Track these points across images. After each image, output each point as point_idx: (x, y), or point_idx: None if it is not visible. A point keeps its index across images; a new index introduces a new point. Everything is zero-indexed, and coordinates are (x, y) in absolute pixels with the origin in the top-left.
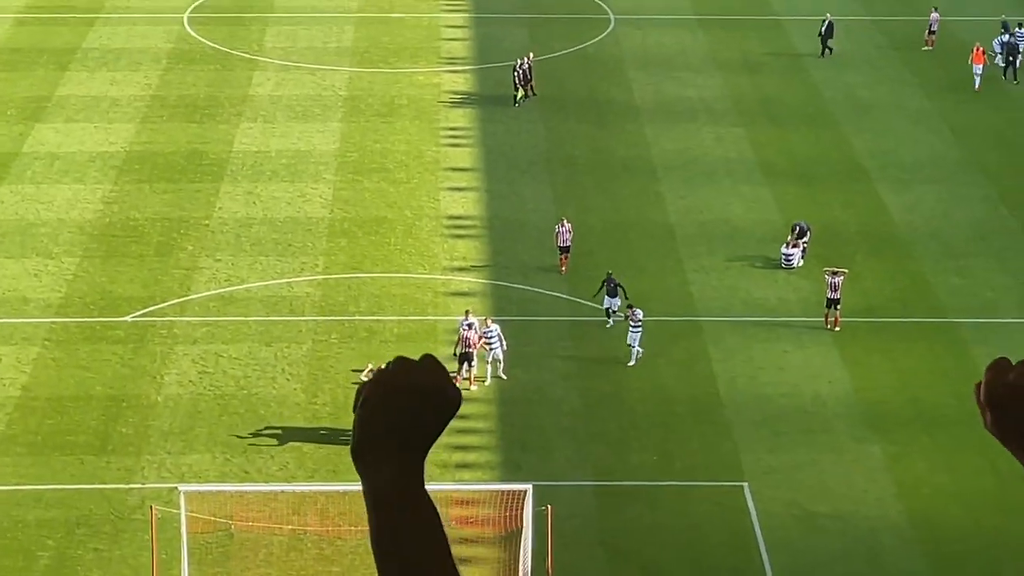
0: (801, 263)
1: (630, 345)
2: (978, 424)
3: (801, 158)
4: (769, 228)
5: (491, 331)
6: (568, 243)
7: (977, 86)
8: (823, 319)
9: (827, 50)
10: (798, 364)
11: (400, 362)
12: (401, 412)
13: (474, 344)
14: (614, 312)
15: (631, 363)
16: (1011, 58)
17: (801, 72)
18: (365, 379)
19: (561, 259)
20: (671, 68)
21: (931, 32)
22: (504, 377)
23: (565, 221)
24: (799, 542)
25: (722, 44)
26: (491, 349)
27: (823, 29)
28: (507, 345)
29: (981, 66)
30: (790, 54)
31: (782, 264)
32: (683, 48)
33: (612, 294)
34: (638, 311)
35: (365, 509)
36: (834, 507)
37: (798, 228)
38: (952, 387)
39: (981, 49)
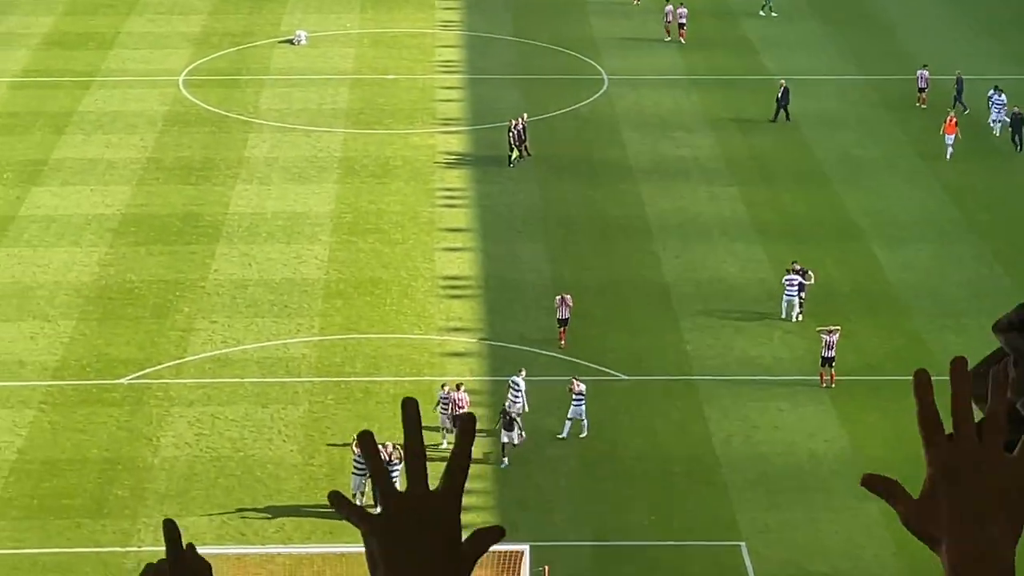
0: (801, 300)
1: (570, 419)
2: None
3: (794, 217)
4: (763, 287)
5: (519, 386)
6: (567, 316)
7: (948, 155)
8: (819, 377)
9: (784, 114)
10: (794, 422)
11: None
12: None
13: (465, 406)
14: (515, 445)
15: (562, 435)
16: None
17: (794, 131)
18: (355, 449)
19: (560, 332)
20: (665, 128)
21: (921, 90)
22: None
23: (566, 295)
24: None
25: (715, 104)
26: (515, 402)
27: (780, 95)
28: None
29: (952, 136)
30: (781, 113)
31: (784, 294)
32: (677, 108)
33: (508, 427)
34: (580, 384)
35: (363, 572)
36: (832, 566)
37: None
38: None
39: (954, 120)
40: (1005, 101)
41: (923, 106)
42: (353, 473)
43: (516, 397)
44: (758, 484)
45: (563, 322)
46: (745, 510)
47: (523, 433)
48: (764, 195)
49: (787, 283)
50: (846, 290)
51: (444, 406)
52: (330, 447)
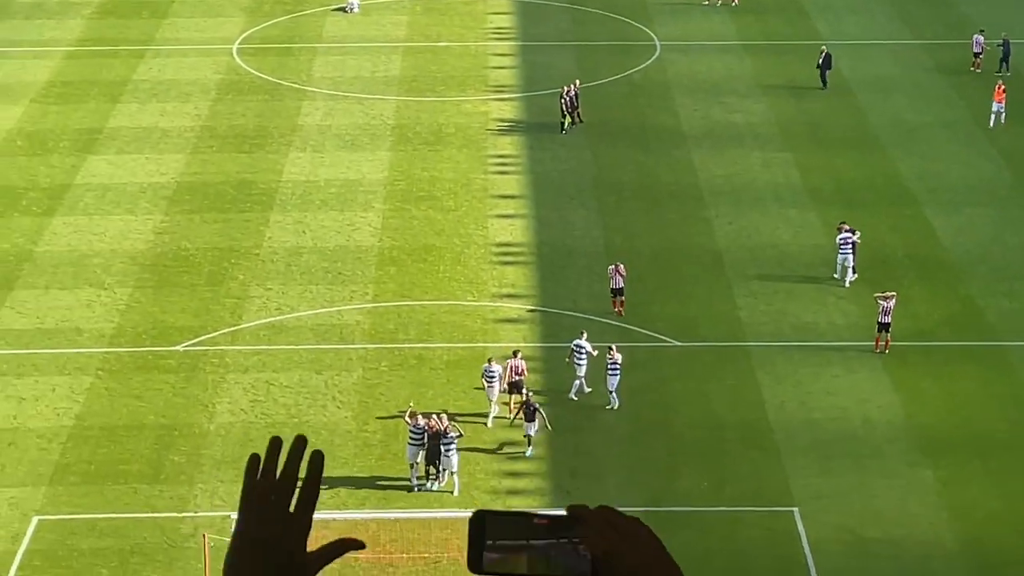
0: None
1: (612, 391)
2: None
3: (848, 182)
4: (817, 252)
5: (582, 347)
6: (622, 285)
7: (992, 124)
8: (873, 343)
9: (825, 83)
10: (847, 388)
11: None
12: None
13: (522, 373)
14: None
15: (611, 406)
16: None
17: (847, 96)
18: (409, 420)
19: (614, 302)
20: (717, 94)
21: (976, 55)
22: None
23: (619, 264)
24: (850, 567)
25: (768, 69)
26: (580, 365)
27: (821, 60)
28: (556, 374)
29: (999, 104)
30: (834, 78)
31: (838, 253)
32: (729, 74)
33: (530, 418)
34: (617, 353)
35: (416, 536)
36: (885, 532)
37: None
38: (1003, 411)
39: (1003, 87)
40: None
41: (978, 71)
42: (409, 443)
43: (581, 360)
44: (811, 450)
45: (617, 291)
46: (798, 476)
47: (548, 424)
48: (818, 160)
49: (841, 242)
50: (900, 256)
51: (489, 378)
52: (384, 414)
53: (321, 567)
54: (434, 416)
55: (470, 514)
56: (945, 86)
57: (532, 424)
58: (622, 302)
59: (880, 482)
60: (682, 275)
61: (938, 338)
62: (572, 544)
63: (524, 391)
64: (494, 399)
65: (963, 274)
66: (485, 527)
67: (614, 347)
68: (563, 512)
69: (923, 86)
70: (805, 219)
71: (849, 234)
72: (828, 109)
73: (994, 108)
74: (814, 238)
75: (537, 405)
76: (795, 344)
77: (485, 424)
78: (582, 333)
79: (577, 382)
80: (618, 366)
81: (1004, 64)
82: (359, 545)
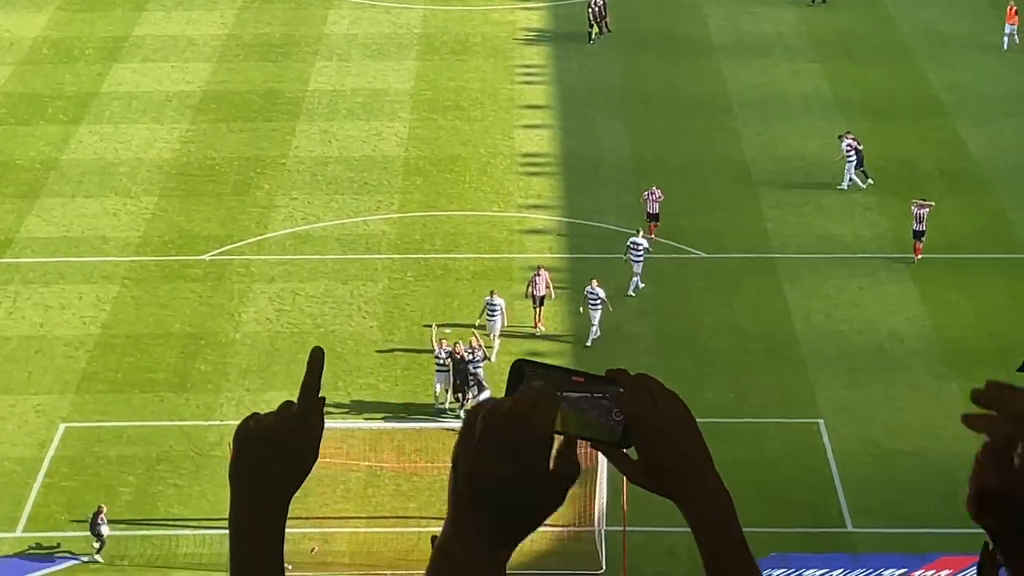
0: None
1: (591, 324)
2: None
3: (878, 93)
4: (845, 164)
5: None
6: (657, 211)
7: (1006, 46)
8: (901, 254)
9: None
10: (874, 301)
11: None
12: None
13: (548, 286)
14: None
15: (630, 291)
16: None
17: (877, 6)
18: (434, 344)
19: (650, 227)
20: (746, 3)
21: None
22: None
23: (655, 188)
24: (875, 479)
25: None
26: (636, 262)
27: None
28: (582, 285)
29: (1013, 26)
30: None
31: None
32: None
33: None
34: (599, 288)
35: (441, 446)
36: (911, 444)
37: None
38: None
39: (1014, 8)
40: None
41: None
42: (437, 370)
43: (637, 257)
44: (837, 362)
45: (653, 216)
46: (824, 388)
47: (480, 395)
48: (847, 71)
49: (847, 149)
50: (929, 167)
51: (491, 311)
52: (409, 324)
53: (311, 398)
54: (459, 343)
55: None
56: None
57: (468, 393)
58: (655, 227)
59: (906, 394)
60: (709, 186)
61: (966, 251)
62: (607, 403)
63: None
64: (496, 334)
65: (992, 186)
66: (524, 376)
67: (595, 281)
68: (602, 374)
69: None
70: (834, 130)
71: (854, 142)
72: (858, 19)
73: (1007, 30)
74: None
75: (482, 379)
76: (822, 256)
77: (489, 359)
78: (638, 231)
79: (635, 279)
80: (599, 299)
81: None
82: (318, 352)
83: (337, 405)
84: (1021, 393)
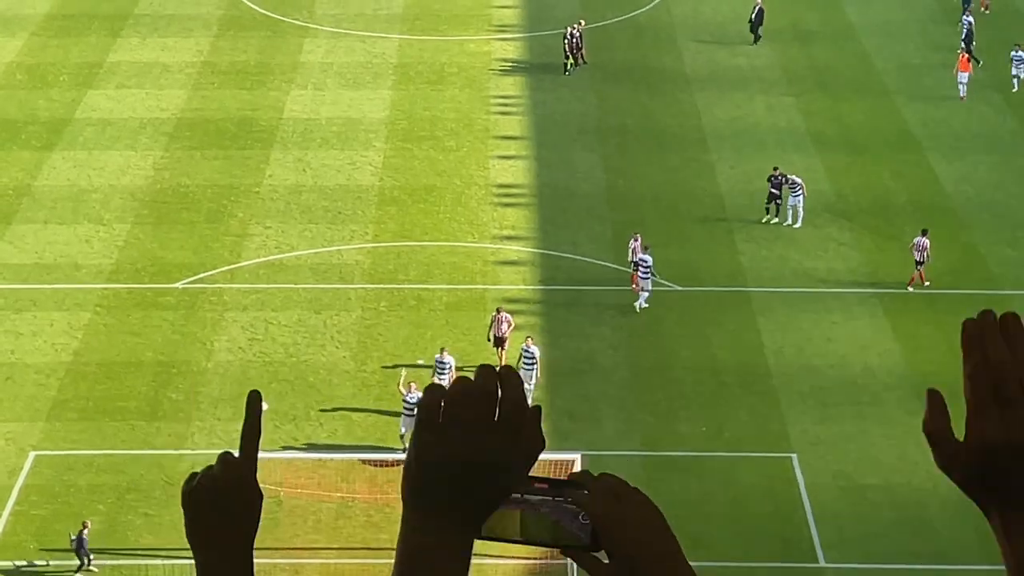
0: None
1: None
2: None
3: (851, 127)
4: (819, 198)
5: (531, 352)
6: (505, 334)
7: (962, 95)
8: (874, 289)
9: (757, 38)
10: (847, 335)
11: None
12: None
13: (508, 326)
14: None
15: (639, 303)
16: None
17: (852, 41)
18: (402, 389)
19: (633, 276)
20: (722, 37)
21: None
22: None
23: (639, 236)
24: (847, 513)
25: (773, 13)
26: (645, 279)
27: (753, 16)
28: (555, 316)
29: (966, 74)
30: (841, 23)
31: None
32: (734, 16)
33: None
34: (533, 346)
35: None
36: (883, 479)
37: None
38: None
39: (966, 56)
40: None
41: (987, 12)
42: (403, 414)
43: (645, 275)
44: (810, 396)
45: (500, 341)
46: (797, 422)
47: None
48: (821, 105)
49: (783, 184)
50: (902, 201)
51: (440, 370)
52: (382, 354)
53: (251, 445)
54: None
55: None
56: (951, 32)
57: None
58: (504, 356)
59: (879, 429)
60: (683, 219)
61: (940, 286)
62: (572, 508)
63: (507, 347)
64: (404, 431)
65: (965, 222)
66: None
67: (531, 339)
68: (562, 478)
69: (928, 30)
70: (808, 164)
71: (795, 178)
72: (833, 53)
73: (962, 79)
74: (817, 183)
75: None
76: (795, 290)
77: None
78: (646, 248)
79: (644, 294)
80: (534, 360)
81: (966, 42)
82: (256, 395)
83: (309, 435)
84: (1000, 342)
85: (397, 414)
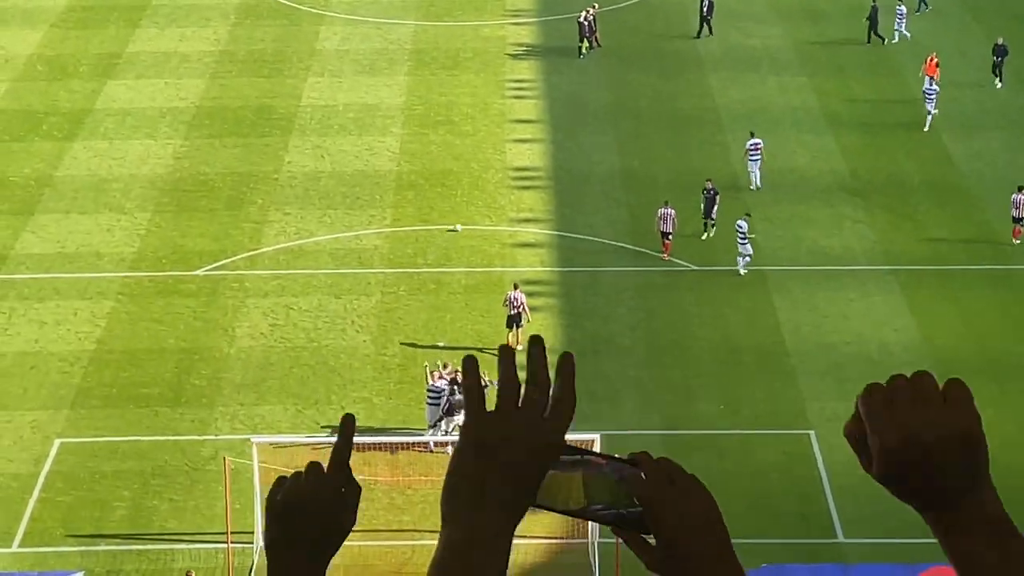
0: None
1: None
2: None
3: (865, 107)
4: (834, 177)
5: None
6: (670, 229)
7: (927, 127)
8: (889, 266)
9: (878, 37)
10: (863, 312)
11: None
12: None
13: (522, 304)
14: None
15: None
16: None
17: (864, 20)
18: (430, 378)
19: (664, 244)
20: (735, 18)
21: None
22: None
23: (669, 206)
24: (865, 489)
25: None
26: (743, 244)
27: (870, 15)
28: (574, 298)
29: (933, 77)
30: (853, 2)
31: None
32: None
33: (449, 413)
34: (442, 379)
35: (434, 459)
36: None
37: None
38: (1020, 335)
39: (935, 60)
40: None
41: None
42: (427, 403)
43: (743, 241)
44: (827, 374)
45: (666, 235)
46: (814, 399)
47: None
48: (834, 85)
49: (750, 148)
50: (916, 181)
51: (432, 398)
52: (402, 337)
53: (340, 472)
54: (451, 366)
55: None
56: (963, 9)
57: (447, 420)
58: (669, 245)
59: None
60: (698, 199)
61: (955, 262)
62: (627, 487)
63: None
64: (432, 422)
65: (978, 198)
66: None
67: (435, 373)
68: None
69: (940, 8)
70: (822, 144)
71: (759, 141)
72: (844, 33)
73: (930, 84)
74: (831, 162)
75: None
76: (811, 268)
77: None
78: (747, 215)
79: (744, 259)
80: (438, 394)
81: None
82: (350, 417)
83: (331, 419)
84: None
85: (418, 397)
